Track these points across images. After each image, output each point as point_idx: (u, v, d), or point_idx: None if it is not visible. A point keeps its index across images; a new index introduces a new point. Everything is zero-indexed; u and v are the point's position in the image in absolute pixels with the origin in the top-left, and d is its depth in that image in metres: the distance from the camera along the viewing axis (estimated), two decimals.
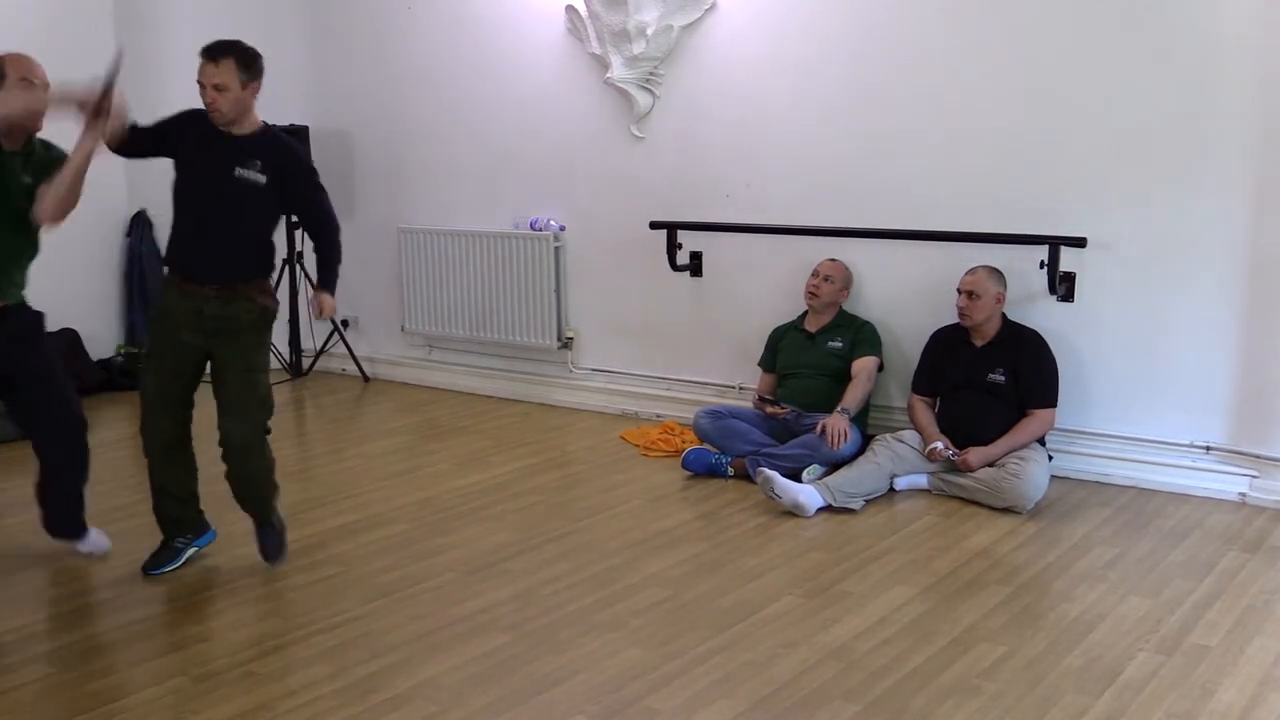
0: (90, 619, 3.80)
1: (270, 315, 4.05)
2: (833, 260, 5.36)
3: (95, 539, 4.28)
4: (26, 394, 4.10)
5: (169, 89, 7.27)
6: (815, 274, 5.31)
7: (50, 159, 3.97)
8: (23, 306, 4.11)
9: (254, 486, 4.11)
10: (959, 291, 4.85)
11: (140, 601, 3.90)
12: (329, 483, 5.19)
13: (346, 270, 7.40)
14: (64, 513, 4.23)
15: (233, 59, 3.83)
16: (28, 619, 3.77)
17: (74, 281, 6.77)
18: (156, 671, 3.38)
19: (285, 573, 4.12)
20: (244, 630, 3.66)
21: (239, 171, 3.90)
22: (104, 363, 7.10)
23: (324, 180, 6.89)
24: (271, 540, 4.15)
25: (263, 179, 3.92)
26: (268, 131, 4.00)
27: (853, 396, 5.06)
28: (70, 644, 3.60)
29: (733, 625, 3.60)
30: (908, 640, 3.48)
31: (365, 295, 7.46)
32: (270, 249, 4.09)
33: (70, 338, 6.97)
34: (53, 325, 6.95)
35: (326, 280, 4.14)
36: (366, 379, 7.31)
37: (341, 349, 7.37)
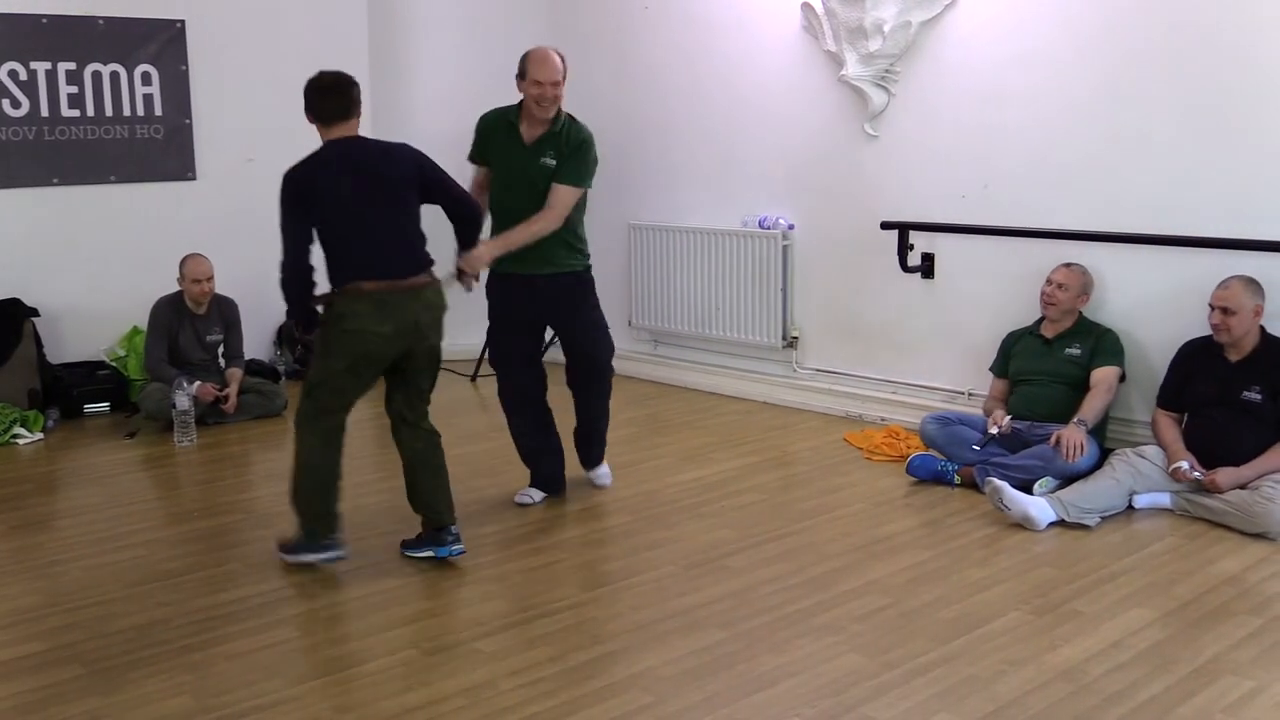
0: (331, 588, 4.00)
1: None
2: (1067, 266, 5.14)
3: (603, 472, 5.10)
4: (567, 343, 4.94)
5: (417, 89, 7.67)
6: (1049, 282, 5.12)
7: (571, 135, 4.71)
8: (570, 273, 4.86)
9: None
10: (1211, 307, 4.57)
11: (379, 575, 4.08)
12: None
13: None
14: (587, 445, 5.09)
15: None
16: (277, 584, 4.02)
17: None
18: (390, 642, 3.53)
19: (512, 556, 4.25)
20: (472, 609, 3.79)
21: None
22: None
23: None
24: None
25: None
26: None
27: (1091, 407, 4.84)
28: (312, 611, 3.81)
29: (956, 638, 3.50)
30: (1144, 667, 3.31)
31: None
32: None
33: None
34: None
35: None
36: None
37: None
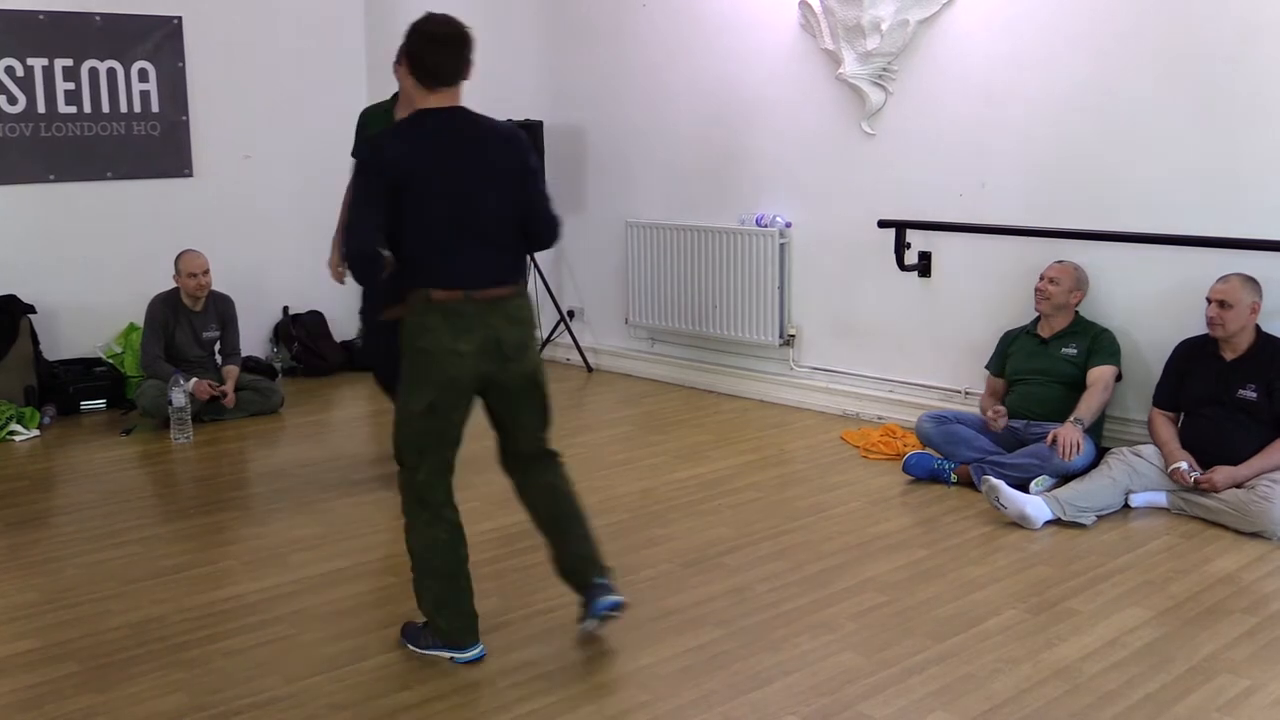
0: (329, 586, 4.00)
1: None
2: (1059, 262, 5.14)
3: None
4: None
5: None
6: (1041, 278, 5.12)
7: None
8: None
9: None
10: (1209, 300, 4.57)
11: (374, 573, 4.09)
12: None
13: (574, 261, 7.71)
14: None
15: None
16: (274, 581, 4.02)
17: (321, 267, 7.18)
18: (385, 640, 3.53)
19: (508, 554, 4.25)
20: None
21: None
22: (346, 344, 7.50)
23: (556, 174, 7.22)
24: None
25: None
26: None
27: (1087, 406, 4.84)
28: (310, 607, 3.80)
29: (952, 636, 3.51)
30: (1140, 665, 3.31)
31: (591, 287, 7.61)
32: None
33: (316, 320, 7.40)
34: (301, 308, 7.42)
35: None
36: (590, 369, 7.46)
37: (567, 339, 7.54)
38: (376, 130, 4.39)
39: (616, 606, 3.47)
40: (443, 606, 3.39)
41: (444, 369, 3.25)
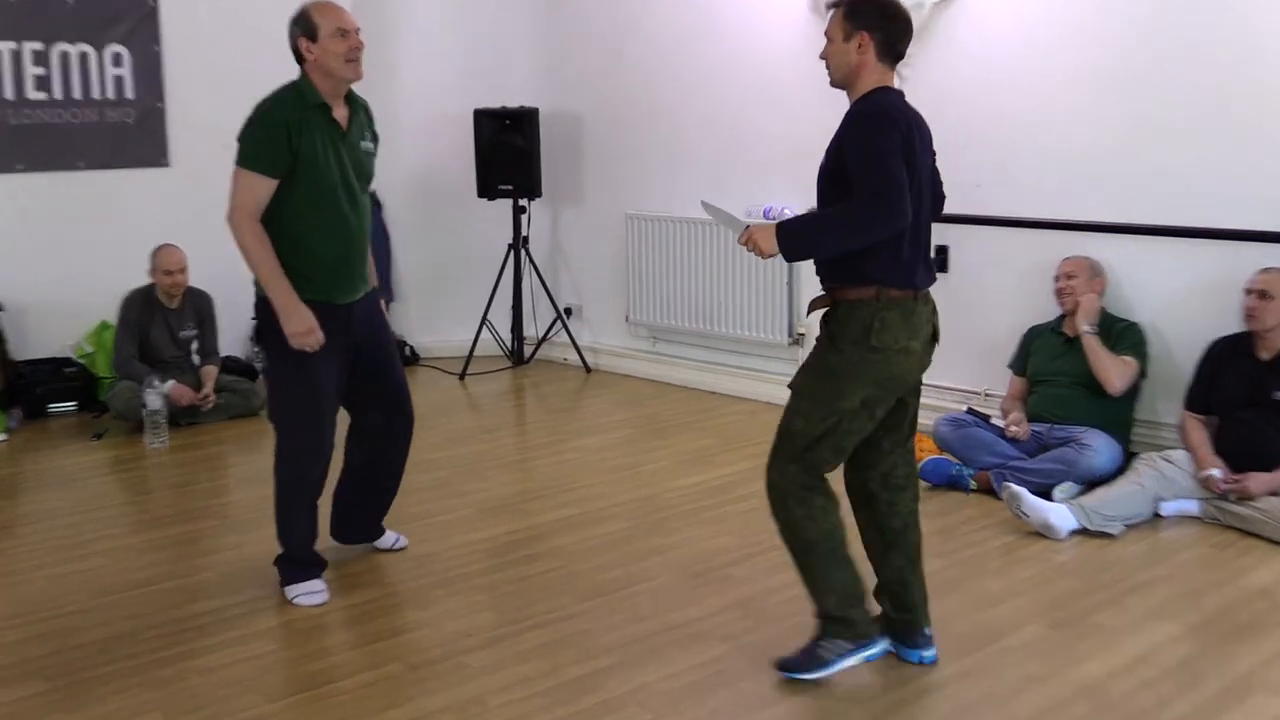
0: None
1: None
2: (1067, 258, 5.04)
3: (396, 535, 4.27)
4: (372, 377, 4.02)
5: (403, 74, 7.52)
6: (1056, 278, 5.03)
7: (369, 112, 3.91)
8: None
9: None
10: (1247, 292, 4.46)
11: (361, 585, 3.98)
12: (548, 475, 5.23)
13: (571, 256, 7.56)
14: (376, 509, 4.21)
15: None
16: (254, 594, 3.91)
17: None
18: (373, 656, 3.44)
19: (502, 565, 4.15)
20: (459, 621, 3.68)
21: None
22: None
23: (552, 163, 6.96)
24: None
25: None
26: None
27: (1104, 355, 4.72)
28: (292, 621, 3.70)
29: (971, 652, 3.39)
30: (1171, 683, 3.20)
31: (589, 283, 7.52)
32: None
33: None
34: None
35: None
36: (588, 369, 7.35)
37: (564, 338, 7.43)
38: (294, 124, 3.61)
39: (931, 664, 3.33)
40: (852, 599, 3.21)
41: (890, 366, 3.18)
